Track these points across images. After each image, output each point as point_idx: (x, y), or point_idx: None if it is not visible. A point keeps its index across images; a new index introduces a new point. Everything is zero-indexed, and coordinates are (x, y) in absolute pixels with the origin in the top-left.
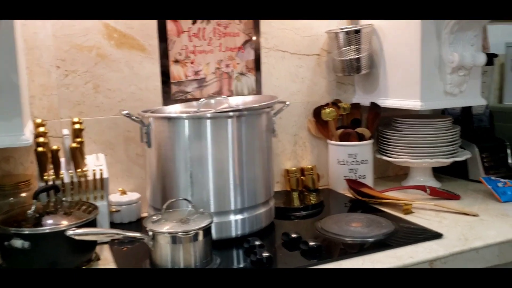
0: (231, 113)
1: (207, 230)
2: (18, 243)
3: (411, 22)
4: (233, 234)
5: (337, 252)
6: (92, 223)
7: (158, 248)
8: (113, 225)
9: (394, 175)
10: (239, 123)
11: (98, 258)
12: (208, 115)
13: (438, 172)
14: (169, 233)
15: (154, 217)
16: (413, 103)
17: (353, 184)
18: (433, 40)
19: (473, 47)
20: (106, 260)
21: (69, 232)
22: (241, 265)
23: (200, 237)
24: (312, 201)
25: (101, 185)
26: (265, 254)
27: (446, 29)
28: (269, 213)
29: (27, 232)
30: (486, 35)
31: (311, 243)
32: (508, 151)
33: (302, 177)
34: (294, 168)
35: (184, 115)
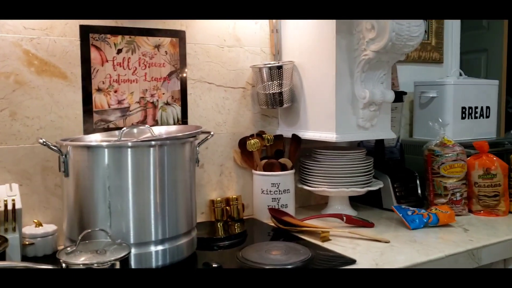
0: (153, 142)
1: (124, 261)
2: None
3: (328, 60)
4: (153, 265)
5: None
6: (1, 257)
7: None
8: (25, 258)
9: (316, 204)
10: (161, 152)
11: None
12: (129, 144)
13: (355, 201)
14: (83, 264)
15: (68, 249)
16: (330, 135)
17: (275, 213)
18: (346, 78)
19: (383, 84)
20: None
21: None
22: None
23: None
24: (236, 231)
25: (13, 216)
26: None
27: (358, 68)
28: (191, 243)
29: None
30: (396, 74)
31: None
32: (417, 181)
33: (227, 207)
34: (220, 198)
35: (104, 143)
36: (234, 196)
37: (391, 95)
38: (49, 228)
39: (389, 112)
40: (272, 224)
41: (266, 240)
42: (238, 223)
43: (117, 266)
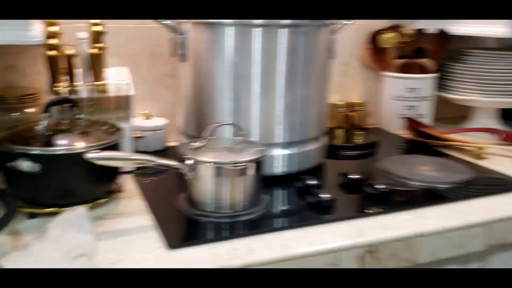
0: (286, 22)
1: (259, 163)
2: (25, 165)
3: None
4: (279, 170)
5: (415, 199)
6: (115, 147)
7: (199, 181)
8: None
9: (452, 117)
10: (295, 35)
11: (120, 190)
12: (258, 22)
13: (506, 118)
14: (215, 163)
15: (194, 144)
16: (500, 30)
17: (413, 123)
18: None
19: None
20: (131, 192)
21: (89, 155)
22: (294, 207)
23: (251, 171)
24: (363, 140)
25: (125, 103)
26: (325, 195)
27: None
28: (319, 150)
29: (36, 152)
30: None
31: (379, 186)
32: None
33: (350, 113)
34: (342, 103)
35: (230, 21)
36: (358, 101)
37: None
38: (160, 121)
39: None
40: (404, 135)
41: (399, 153)
42: (362, 132)
43: (252, 170)
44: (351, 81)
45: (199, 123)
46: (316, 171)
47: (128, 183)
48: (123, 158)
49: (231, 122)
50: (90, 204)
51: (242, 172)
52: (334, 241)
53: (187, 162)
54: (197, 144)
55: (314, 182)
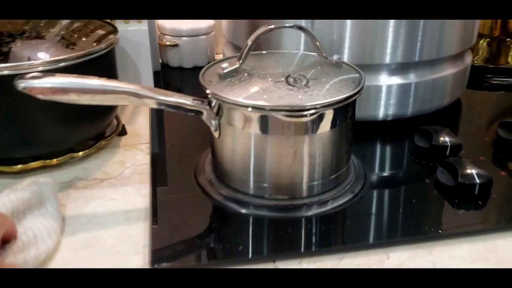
0: None
1: (348, 107)
2: None
3: None
4: (381, 114)
5: None
6: (101, 61)
7: (227, 140)
8: (167, 70)
9: None
10: None
11: (121, 133)
12: None
13: None
14: (256, 107)
15: (226, 66)
16: None
17: None
18: None
19: None
20: (137, 138)
21: (22, 83)
22: (413, 190)
23: (330, 123)
24: None
25: None
26: (479, 171)
27: None
28: (460, 78)
29: None
30: None
31: None
32: None
33: None
34: None
35: None
36: None
37: None
38: (201, 22)
39: None
40: None
41: None
42: None
43: (332, 121)
44: None
45: (252, 26)
46: (448, 115)
47: (140, 120)
48: (85, 88)
49: (298, 25)
50: (62, 158)
51: (313, 125)
52: None
53: (205, 102)
54: (231, 65)
55: (448, 139)
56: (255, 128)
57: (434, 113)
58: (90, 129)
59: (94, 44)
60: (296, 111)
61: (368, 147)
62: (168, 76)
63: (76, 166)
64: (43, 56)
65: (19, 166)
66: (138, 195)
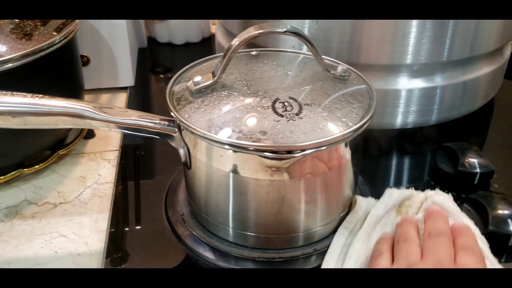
0: None
1: (351, 143)
2: None
3: None
4: (399, 122)
5: None
6: (59, 56)
7: (199, 175)
8: (156, 47)
9: None
10: None
11: (88, 135)
12: None
13: None
14: (233, 145)
15: (200, 80)
16: None
17: None
18: None
19: None
20: (106, 142)
21: None
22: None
23: (325, 162)
24: None
25: None
26: None
27: None
28: (497, 76)
29: None
30: None
31: None
32: None
33: None
34: None
35: None
36: None
37: None
38: None
39: None
40: None
41: None
42: None
43: (338, 157)
44: None
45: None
46: (477, 120)
47: None
48: (12, 111)
49: (292, 30)
50: (10, 175)
51: (305, 167)
52: None
53: (175, 124)
54: (205, 79)
55: (477, 161)
56: (233, 167)
57: (461, 119)
58: (44, 138)
59: (54, 33)
60: (282, 153)
61: (380, 164)
62: (156, 53)
63: (27, 184)
64: None
65: None
66: (94, 231)
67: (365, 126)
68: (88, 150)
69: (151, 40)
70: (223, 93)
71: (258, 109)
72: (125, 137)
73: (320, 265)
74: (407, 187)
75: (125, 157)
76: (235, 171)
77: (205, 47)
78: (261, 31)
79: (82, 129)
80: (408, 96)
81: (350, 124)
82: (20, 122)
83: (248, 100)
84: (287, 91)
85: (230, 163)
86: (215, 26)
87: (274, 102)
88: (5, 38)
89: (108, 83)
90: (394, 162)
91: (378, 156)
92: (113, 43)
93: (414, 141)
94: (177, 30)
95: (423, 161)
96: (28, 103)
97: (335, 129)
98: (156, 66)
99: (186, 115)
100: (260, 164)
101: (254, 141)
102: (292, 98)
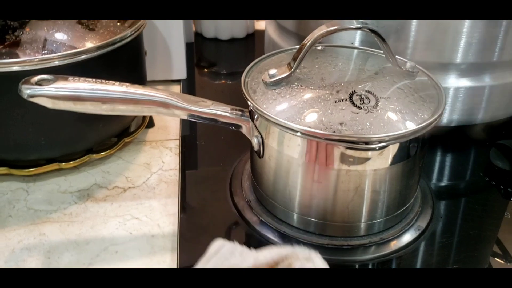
0: None
1: (422, 137)
2: None
3: None
4: (445, 119)
5: None
6: (128, 49)
7: (270, 163)
8: (201, 42)
9: None
10: None
11: (148, 124)
12: None
13: None
14: (312, 136)
15: (275, 73)
16: None
17: None
18: None
19: None
20: (168, 131)
21: (26, 91)
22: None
23: (399, 154)
24: None
25: None
26: None
27: None
28: None
29: None
30: None
31: None
32: None
33: None
34: None
35: None
36: None
37: None
38: None
39: None
40: None
41: None
42: None
43: (407, 150)
44: None
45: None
46: None
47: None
48: (104, 97)
49: (367, 26)
50: (80, 160)
51: (381, 158)
52: None
53: (246, 113)
54: (280, 72)
55: None
56: (307, 157)
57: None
58: (113, 126)
59: (118, 24)
60: (363, 143)
61: (431, 159)
62: (202, 48)
63: (95, 169)
64: (61, 37)
65: (32, 169)
66: (164, 214)
67: (437, 120)
68: (149, 139)
69: (197, 35)
70: (298, 85)
71: (336, 101)
72: (183, 127)
73: (386, 254)
74: (453, 185)
75: (185, 146)
76: (311, 160)
77: (248, 42)
78: (336, 27)
79: (144, 119)
80: (456, 94)
81: (426, 117)
82: (109, 108)
83: (325, 92)
84: (361, 84)
85: (307, 152)
86: (259, 23)
87: (351, 95)
88: (72, 28)
89: (162, 75)
90: (448, 158)
91: (428, 152)
92: (168, 38)
93: (463, 139)
94: (224, 26)
95: (475, 158)
96: (118, 90)
97: (412, 123)
98: (201, 61)
99: (264, 106)
100: (339, 154)
101: (334, 132)
102: (368, 91)
